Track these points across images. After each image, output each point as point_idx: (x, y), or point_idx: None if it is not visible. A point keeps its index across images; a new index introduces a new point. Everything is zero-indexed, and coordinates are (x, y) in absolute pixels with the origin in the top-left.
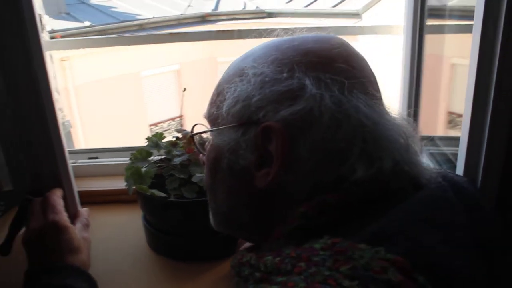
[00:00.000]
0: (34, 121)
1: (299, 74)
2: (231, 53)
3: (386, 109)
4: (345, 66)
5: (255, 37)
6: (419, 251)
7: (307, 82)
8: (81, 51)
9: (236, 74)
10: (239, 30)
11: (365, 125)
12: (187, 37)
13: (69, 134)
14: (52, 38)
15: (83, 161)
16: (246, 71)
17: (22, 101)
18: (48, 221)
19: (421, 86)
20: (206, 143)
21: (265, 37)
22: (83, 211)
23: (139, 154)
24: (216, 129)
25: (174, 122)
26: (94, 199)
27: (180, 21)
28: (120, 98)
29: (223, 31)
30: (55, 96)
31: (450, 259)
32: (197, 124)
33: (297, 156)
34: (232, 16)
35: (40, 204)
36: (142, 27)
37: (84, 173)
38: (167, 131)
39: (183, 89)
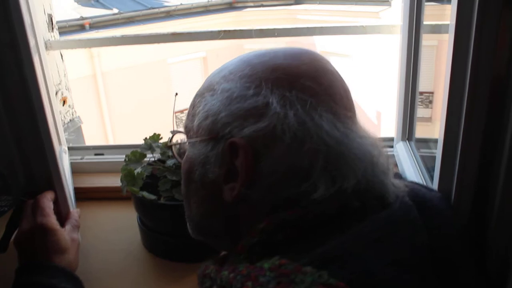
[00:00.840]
0: (24, 125)
1: (265, 91)
2: (258, 40)
3: (356, 127)
4: (310, 84)
5: (249, 36)
6: (363, 275)
7: (272, 99)
8: None
9: (207, 88)
10: (241, 30)
11: (327, 144)
12: (190, 36)
13: (79, 129)
14: (80, 26)
15: (89, 158)
16: (215, 86)
17: (12, 103)
18: (36, 224)
19: (417, 88)
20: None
21: (255, 36)
22: (74, 212)
23: (133, 155)
24: (188, 141)
25: None
26: (98, 195)
27: (207, 8)
28: (147, 84)
29: (229, 31)
30: (65, 93)
31: (396, 283)
32: (177, 131)
33: (261, 172)
34: (259, 2)
35: (31, 207)
36: (169, 14)
37: (90, 170)
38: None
39: (175, 94)
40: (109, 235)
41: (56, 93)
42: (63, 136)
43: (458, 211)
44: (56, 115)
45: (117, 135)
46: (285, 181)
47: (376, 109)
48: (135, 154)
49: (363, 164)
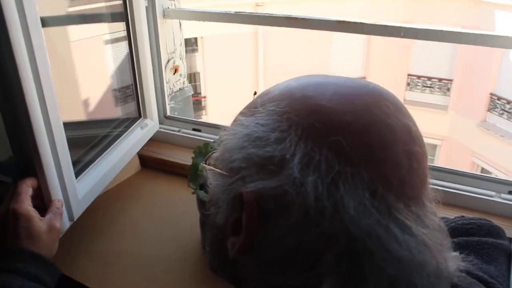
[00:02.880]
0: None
1: (291, 140)
2: (430, 18)
3: (415, 215)
4: (349, 142)
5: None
6: None
7: (294, 154)
8: None
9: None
10: (361, 23)
11: (349, 233)
12: (306, 23)
13: (189, 99)
14: None
15: (186, 132)
16: (241, 116)
17: None
18: (10, 209)
19: None
20: None
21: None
22: (56, 201)
23: (204, 148)
24: (207, 168)
25: None
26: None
27: None
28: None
29: (344, 21)
30: (177, 62)
31: None
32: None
33: (263, 240)
34: None
35: (11, 192)
36: None
37: (183, 144)
38: None
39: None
40: (177, 217)
41: (168, 61)
42: (154, 107)
43: None
44: (164, 84)
45: None
46: (285, 262)
47: None
48: (206, 147)
49: (400, 270)
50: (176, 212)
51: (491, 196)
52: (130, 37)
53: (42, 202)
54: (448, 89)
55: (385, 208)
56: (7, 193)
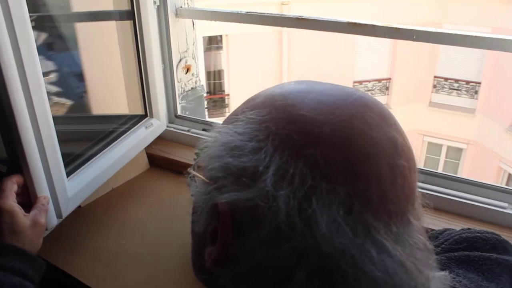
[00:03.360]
0: None
1: (266, 151)
2: (461, 19)
3: (397, 235)
4: (326, 156)
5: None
6: None
7: (269, 166)
8: None
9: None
10: (373, 25)
11: (321, 251)
12: (316, 25)
13: (201, 99)
14: None
15: (195, 132)
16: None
17: None
18: None
19: None
20: None
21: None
22: (41, 198)
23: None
24: (191, 172)
25: (379, 84)
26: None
27: None
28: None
29: (354, 23)
30: (190, 61)
31: None
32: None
33: (238, 251)
34: None
35: None
36: None
37: (191, 143)
38: (370, 92)
39: None
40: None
41: (180, 61)
42: (161, 106)
43: None
44: (175, 83)
45: None
46: (257, 276)
47: None
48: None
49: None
50: (182, 211)
51: (504, 208)
52: (137, 36)
53: (29, 199)
54: (476, 92)
55: (362, 226)
56: None
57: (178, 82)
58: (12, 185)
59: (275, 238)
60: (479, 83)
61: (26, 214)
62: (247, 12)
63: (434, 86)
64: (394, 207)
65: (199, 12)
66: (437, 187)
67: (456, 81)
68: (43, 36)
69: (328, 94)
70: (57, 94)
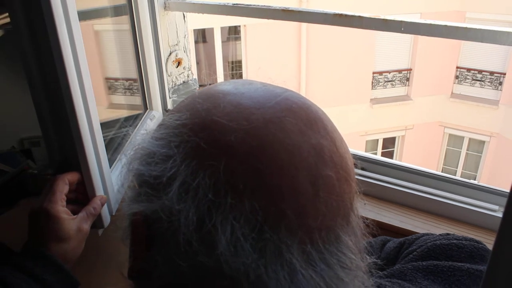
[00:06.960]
0: (49, 105)
1: (175, 161)
2: (486, 8)
3: (316, 251)
4: (234, 167)
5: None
6: None
7: (175, 177)
8: None
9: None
10: (359, 17)
11: (223, 273)
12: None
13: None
14: None
15: None
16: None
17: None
18: (41, 207)
19: None
20: None
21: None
22: (96, 199)
23: None
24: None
25: (400, 75)
26: None
27: None
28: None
29: (340, 15)
30: (181, 54)
31: None
32: None
33: (149, 264)
34: None
35: (48, 186)
36: None
37: None
38: (390, 83)
39: None
40: None
41: (170, 54)
42: (158, 99)
43: None
44: (164, 76)
45: None
46: None
47: None
48: None
49: None
50: None
51: (494, 211)
52: (135, 30)
53: (83, 196)
54: (500, 83)
55: (272, 245)
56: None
57: (169, 76)
58: (64, 186)
59: (177, 254)
60: (504, 74)
61: (74, 216)
62: (234, 4)
63: (456, 77)
64: (316, 223)
65: (187, 4)
66: (421, 187)
67: (480, 71)
68: None
69: (249, 97)
70: None
